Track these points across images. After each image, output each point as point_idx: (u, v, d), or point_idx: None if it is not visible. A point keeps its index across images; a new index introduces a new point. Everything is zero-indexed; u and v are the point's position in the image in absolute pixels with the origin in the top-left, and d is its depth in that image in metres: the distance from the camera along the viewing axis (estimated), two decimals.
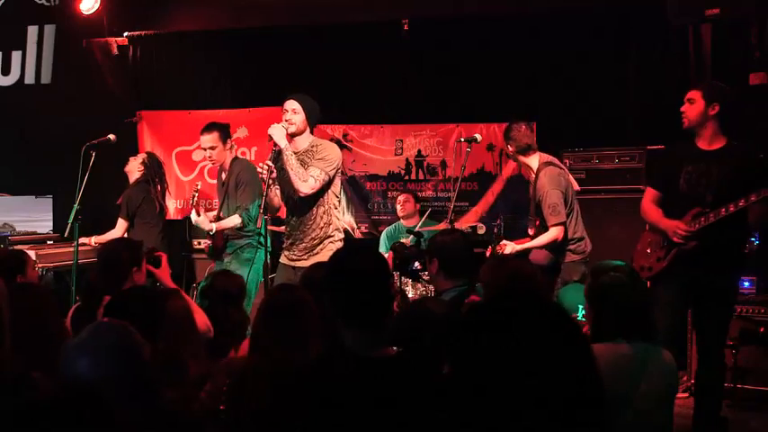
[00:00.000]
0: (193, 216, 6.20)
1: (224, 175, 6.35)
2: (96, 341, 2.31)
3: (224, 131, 6.32)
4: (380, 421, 2.32)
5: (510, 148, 5.81)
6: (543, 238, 5.54)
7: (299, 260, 5.40)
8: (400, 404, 2.24)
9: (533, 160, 5.76)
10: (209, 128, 6.31)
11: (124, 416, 1.93)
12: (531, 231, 5.92)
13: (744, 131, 6.27)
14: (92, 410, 1.72)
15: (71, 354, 2.30)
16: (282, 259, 5.57)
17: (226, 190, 6.28)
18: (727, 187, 4.51)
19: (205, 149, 6.37)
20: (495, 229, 6.35)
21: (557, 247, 5.61)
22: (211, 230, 6.09)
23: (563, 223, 5.50)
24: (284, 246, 5.58)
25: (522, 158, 5.81)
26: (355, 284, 2.65)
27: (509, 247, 5.56)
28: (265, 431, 2.59)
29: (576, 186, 5.88)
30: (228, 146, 6.31)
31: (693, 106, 4.70)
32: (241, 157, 6.37)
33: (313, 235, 5.36)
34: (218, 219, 6.27)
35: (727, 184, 4.53)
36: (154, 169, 7.12)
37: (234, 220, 6.10)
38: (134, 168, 7.09)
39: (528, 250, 5.64)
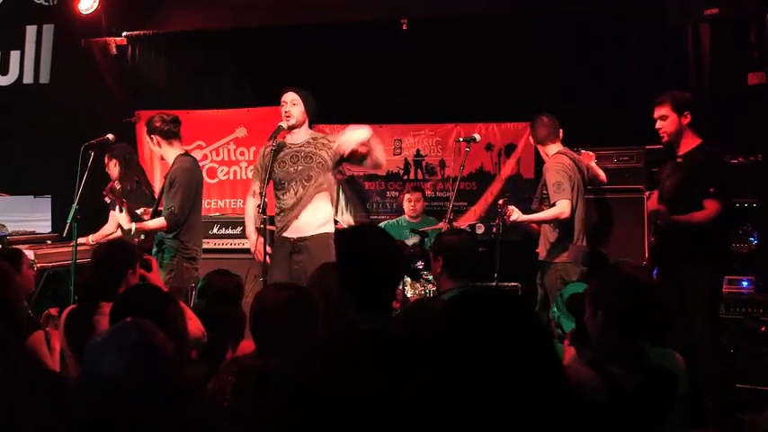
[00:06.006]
0: (116, 212, 5.62)
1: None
2: (120, 339, 2.32)
3: (150, 127, 5.83)
4: (390, 405, 2.30)
5: (532, 141, 6.01)
6: (548, 213, 5.65)
7: (287, 231, 5.46)
8: (414, 380, 2.23)
9: (551, 149, 5.88)
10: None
11: (145, 415, 1.94)
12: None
13: (743, 131, 6.32)
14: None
15: (95, 352, 2.30)
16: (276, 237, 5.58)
17: (163, 185, 5.85)
18: (677, 189, 5.00)
19: None
20: (495, 228, 6.33)
21: (564, 243, 5.73)
22: (131, 230, 5.52)
23: (569, 200, 5.59)
24: (276, 227, 5.58)
25: (540, 148, 5.96)
26: (371, 267, 2.65)
27: (516, 213, 5.58)
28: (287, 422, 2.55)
29: (602, 177, 6.13)
30: (154, 142, 5.80)
31: (668, 121, 5.05)
32: (188, 155, 5.93)
33: (306, 215, 5.41)
34: (154, 213, 5.82)
35: (677, 185, 4.99)
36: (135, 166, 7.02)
37: (158, 222, 5.61)
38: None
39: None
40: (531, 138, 6.00)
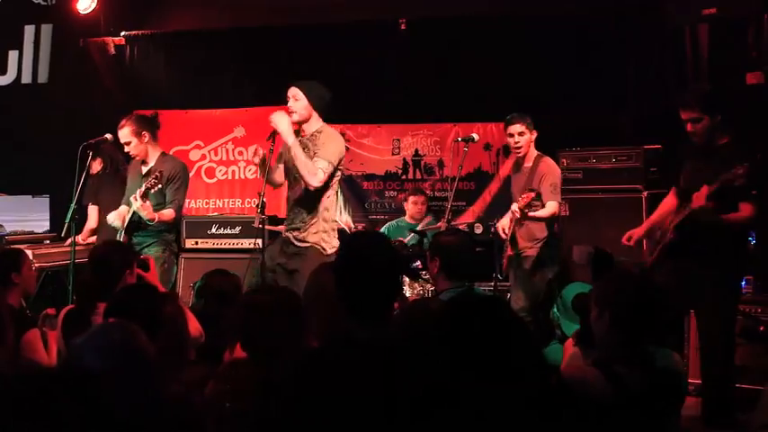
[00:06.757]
0: (137, 203, 5.73)
1: (143, 168, 6.10)
2: (101, 340, 2.32)
3: (137, 125, 6.05)
4: (389, 408, 2.30)
5: (535, 133, 6.08)
6: (545, 211, 5.82)
7: (288, 232, 5.41)
8: (413, 387, 2.23)
9: (533, 152, 6.11)
10: (123, 122, 6.09)
11: (125, 413, 1.95)
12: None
13: (740, 130, 6.32)
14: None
15: (77, 352, 2.31)
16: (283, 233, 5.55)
17: (158, 179, 5.89)
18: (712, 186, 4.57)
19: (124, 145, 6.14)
20: (493, 228, 6.38)
21: (550, 241, 6.01)
22: (153, 219, 5.77)
23: (560, 203, 5.92)
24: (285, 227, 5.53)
25: (531, 146, 6.10)
26: (370, 278, 2.64)
27: (503, 225, 5.93)
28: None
29: None
30: (145, 139, 6.05)
31: (700, 125, 4.74)
32: (170, 154, 6.28)
33: (302, 217, 5.33)
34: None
35: (714, 179, 4.58)
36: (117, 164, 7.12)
37: (169, 214, 5.93)
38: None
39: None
40: (527, 130, 6.02)
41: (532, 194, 5.61)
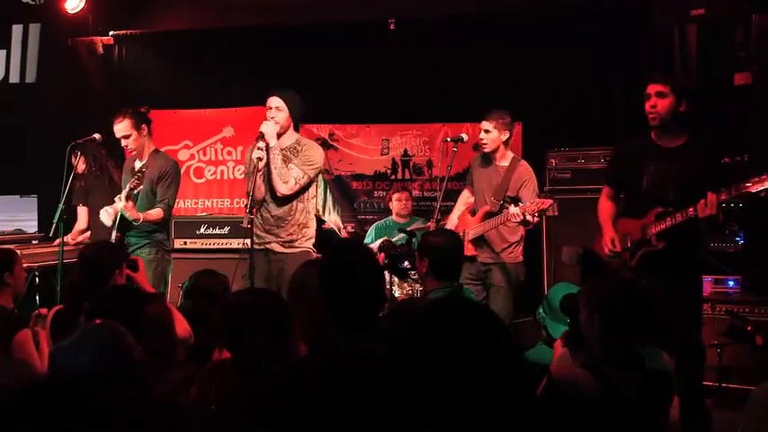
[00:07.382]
0: (121, 203, 5.62)
1: (137, 164, 6.02)
2: (89, 341, 2.32)
3: (137, 118, 6.01)
4: (371, 419, 2.30)
5: (506, 135, 5.97)
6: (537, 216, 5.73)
7: (273, 243, 5.46)
8: (391, 402, 2.24)
9: (509, 152, 6.06)
10: (120, 116, 5.98)
11: (113, 414, 1.94)
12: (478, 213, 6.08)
13: (729, 130, 6.35)
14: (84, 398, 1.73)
15: (63, 353, 2.30)
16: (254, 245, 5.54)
17: (140, 179, 5.80)
18: (691, 185, 4.47)
19: (120, 140, 6.04)
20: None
21: (520, 245, 6.02)
22: (138, 219, 5.65)
23: None
24: (257, 233, 5.47)
25: (503, 148, 6.01)
26: (350, 285, 2.63)
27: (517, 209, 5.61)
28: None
29: None
30: (144, 132, 5.99)
31: (664, 100, 4.57)
32: (162, 151, 6.24)
33: (291, 231, 5.42)
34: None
35: (690, 182, 4.49)
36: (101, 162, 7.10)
37: (157, 213, 5.82)
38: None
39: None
40: (495, 129, 5.94)
41: (549, 201, 5.40)
